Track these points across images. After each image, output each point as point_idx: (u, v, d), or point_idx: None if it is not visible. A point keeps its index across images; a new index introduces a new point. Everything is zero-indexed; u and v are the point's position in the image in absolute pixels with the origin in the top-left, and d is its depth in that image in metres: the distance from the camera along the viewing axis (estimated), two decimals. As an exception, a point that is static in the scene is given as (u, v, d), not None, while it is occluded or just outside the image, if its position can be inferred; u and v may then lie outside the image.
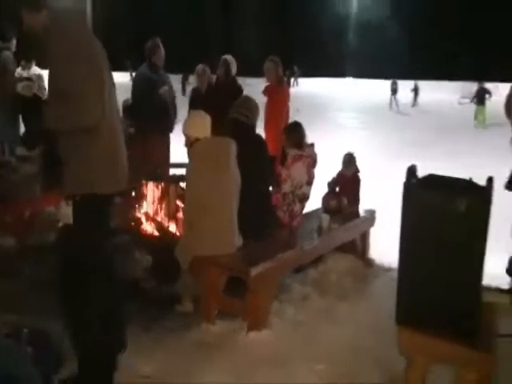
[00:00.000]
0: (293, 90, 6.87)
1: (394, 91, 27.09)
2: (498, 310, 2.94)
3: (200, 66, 6.35)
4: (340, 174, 5.72)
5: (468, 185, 2.87)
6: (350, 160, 5.73)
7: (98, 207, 2.92)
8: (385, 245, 4.81)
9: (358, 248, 5.26)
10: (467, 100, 25.61)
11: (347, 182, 5.61)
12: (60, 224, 2.98)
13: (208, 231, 3.83)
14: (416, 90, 28.30)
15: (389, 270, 4.85)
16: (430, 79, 35.98)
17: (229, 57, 6.01)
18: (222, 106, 4.65)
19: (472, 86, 28.18)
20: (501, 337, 2.72)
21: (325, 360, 3.38)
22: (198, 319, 3.85)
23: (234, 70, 5.93)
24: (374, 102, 28.29)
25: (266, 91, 6.08)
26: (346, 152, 5.86)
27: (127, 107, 6.14)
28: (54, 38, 2.75)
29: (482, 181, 2.79)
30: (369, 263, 5.24)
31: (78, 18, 3.08)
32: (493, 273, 3.84)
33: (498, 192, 4.22)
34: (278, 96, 6.00)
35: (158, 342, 3.55)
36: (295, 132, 5.05)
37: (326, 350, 3.51)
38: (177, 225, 4.89)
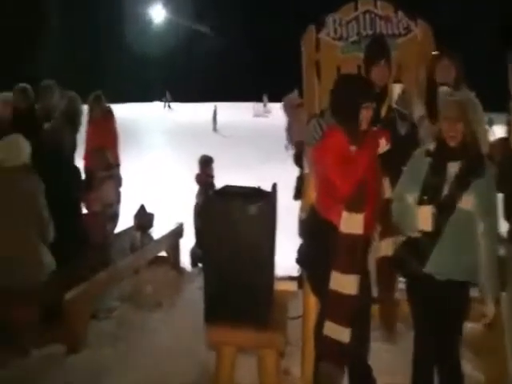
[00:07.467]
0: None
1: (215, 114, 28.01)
2: (288, 295, 3.29)
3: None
4: (197, 176, 5.94)
5: (257, 192, 3.18)
6: (206, 161, 5.96)
7: None
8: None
9: (170, 259, 5.40)
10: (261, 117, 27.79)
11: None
12: None
13: (14, 259, 3.62)
14: (214, 114, 28.54)
15: (200, 275, 5.04)
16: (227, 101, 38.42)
17: (26, 85, 5.74)
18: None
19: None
20: (290, 319, 3.07)
21: (143, 368, 3.39)
22: (10, 355, 3.56)
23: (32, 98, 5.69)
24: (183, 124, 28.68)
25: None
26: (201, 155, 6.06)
27: None
28: None
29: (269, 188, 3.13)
30: (181, 271, 5.41)
31: None
32: (287, 264, 4.27)
33: (289, 195, 4.73)
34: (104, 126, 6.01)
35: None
36: (102, 155, 5.05)
37: (144, 359, 3.53)
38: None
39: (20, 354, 3.59)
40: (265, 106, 39.90)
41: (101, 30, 54.96)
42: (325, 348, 2.58)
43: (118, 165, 5.80)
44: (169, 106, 41.26)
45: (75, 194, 4.43)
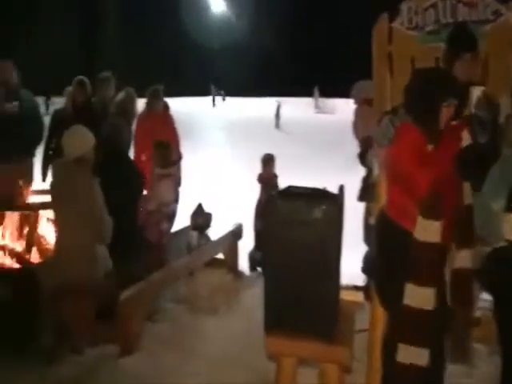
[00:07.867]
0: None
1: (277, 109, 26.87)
2: (354, 306, 3.12)
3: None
4: (260, 175, 5.79)
5: (322, 193, 3.03)
6: (269, 159, 5.81)
7: None
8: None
9: (227, 262, 5.32)
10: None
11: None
12: None
13: (70, 256, 3.64)
14: (277, 110, 27.14)
15: (259, 280, 4.94)
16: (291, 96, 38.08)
17: (83, 78, 5.85)
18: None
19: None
20: (356, 332, 2.89)
21: (198, 376, 3.34)
22: (64, 352, 3.62)
23: (89, 90, 5.80)
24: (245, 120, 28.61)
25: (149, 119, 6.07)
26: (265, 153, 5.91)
27: None
28: None
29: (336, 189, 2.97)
30: (239, 275, 5.30)
31: None
32: (351, 272, 4.10)
33: (354, 199, 4.57)
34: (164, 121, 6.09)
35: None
36: (161, 151, 5.04)
37: (200, 366, 3.47)
38: (40, 254, 4.61)
39: (75, 352, 3.64)
40: (316, 100, 38.13)
41: (157, 18, 56.27)
42: (399, 377, 2.40)
43: (178, 161, 5.79)
44: (213, 101, 40.75)
45: (134, 193, 4.42)
